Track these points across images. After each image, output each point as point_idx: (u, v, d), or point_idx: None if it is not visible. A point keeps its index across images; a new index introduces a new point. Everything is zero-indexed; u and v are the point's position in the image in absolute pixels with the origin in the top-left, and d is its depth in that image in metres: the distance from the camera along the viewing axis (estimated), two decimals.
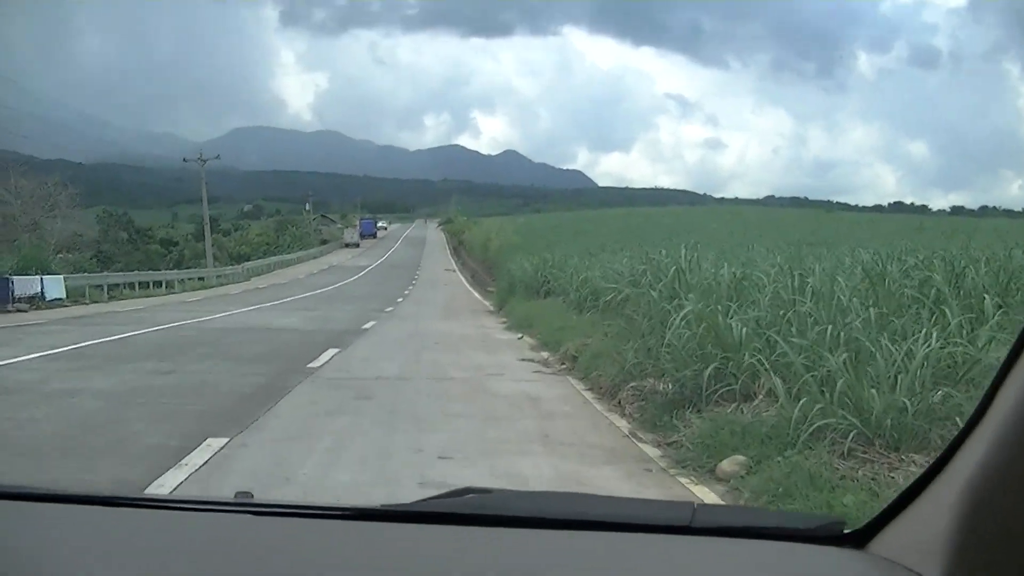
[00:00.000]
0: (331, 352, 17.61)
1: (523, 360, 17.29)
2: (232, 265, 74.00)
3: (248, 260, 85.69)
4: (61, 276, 37.67)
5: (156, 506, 2.28)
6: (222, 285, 59.23)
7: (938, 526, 1.59)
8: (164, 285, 51.19)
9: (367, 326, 25.75)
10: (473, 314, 33.11)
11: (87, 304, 37.09)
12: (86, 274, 44.05)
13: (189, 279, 57.55)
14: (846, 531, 1.93)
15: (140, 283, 48.92)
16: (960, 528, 1.54)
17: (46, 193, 68.78)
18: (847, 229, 48.89)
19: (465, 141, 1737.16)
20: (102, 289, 41.34)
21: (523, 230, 64.78)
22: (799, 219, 71.30)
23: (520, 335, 22.41)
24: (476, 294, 49.85)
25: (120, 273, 48.36)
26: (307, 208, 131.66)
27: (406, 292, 50.08)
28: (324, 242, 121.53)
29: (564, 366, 15.86)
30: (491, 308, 35.77)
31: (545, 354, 18.04)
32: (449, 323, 27.72)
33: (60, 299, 36.27)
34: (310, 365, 15.56)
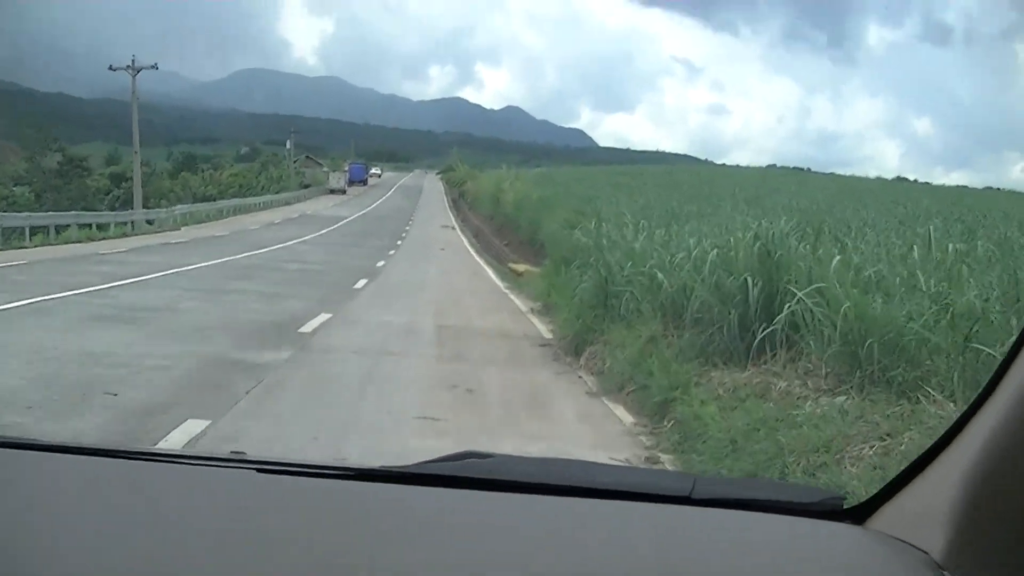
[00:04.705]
0: None
1: None
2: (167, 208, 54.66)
3: (215, 201, 69.74)
4: None
5: (153, 459, 2.11)
6: (123, 236, 39.57)
7: (940, 503, 1.53)
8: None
9: None
10: (516, 368, 12.43)
11: None
12: None
13: (74, 226, 38.12)
14: (846, 506, 1.85)
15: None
16: (963, 506, 1.48)
17: None
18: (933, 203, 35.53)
19: (468, 94, 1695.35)
20: None
21: (541, 181, 48.63)
22: (842, 188, 59.30)
23: None
24: (490, 272, 30.05)
25: None
26: (288, 147, 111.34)
27: (379, 264, 30.31)
28: (305, 186, 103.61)
29: None
30: (545, 332, 15.48)
31: None
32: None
33: None
34: None
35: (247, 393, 9.34)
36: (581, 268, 15.64)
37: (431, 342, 13.95)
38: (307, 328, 14.21)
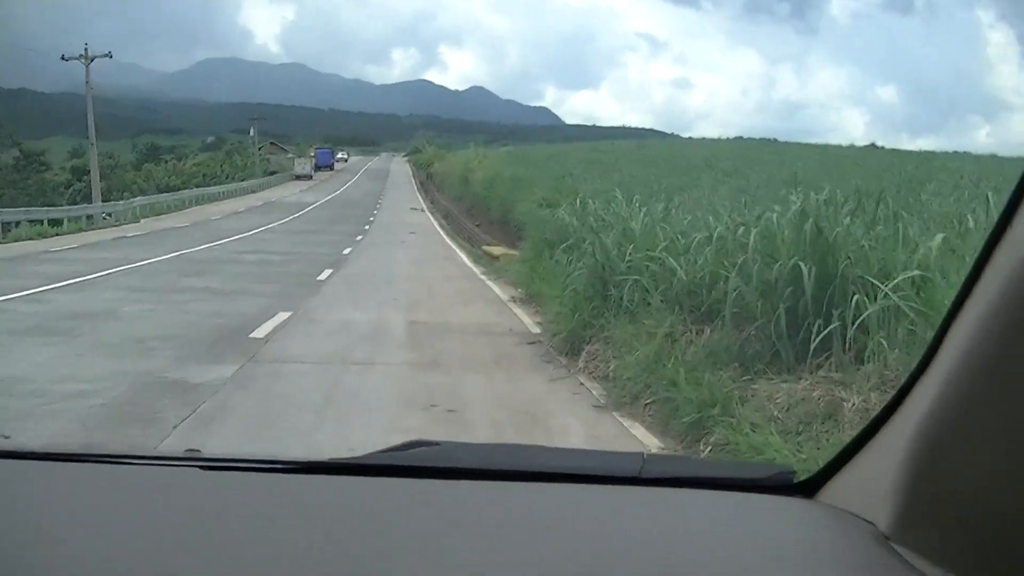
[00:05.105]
0: None
1: None
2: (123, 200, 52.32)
3: (177, 192, 66.32)
4: None
5: (101, 460, 1.98)
6: (78, 232, 37.17)
7: (887, 473, 1.48)
8: None
9: None
10: (503, 375, 10.35)
11: None
12: None
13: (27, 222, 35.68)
14: (796, 481, 1.83)
15: None
16: (909, 475, 1.42)
17: None
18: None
19: (433, 76, 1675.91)
20: None
21: (510, 160, 46.47)
22: (819, 157, 57.81)
23: None
24: (463, 256, 28.26)
25: None
26: (252, 134, 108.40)
27: (346, 252, 28.21)
28: (271, 173, 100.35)
29: None
30: (532, 326, 13.53)
31: None
32: None
33: None
34: None
35: (175, 428, 7.42)
36: (569, 252, 13.74)
37: (402, 344, 12.00)
38: (260, 332, 12.26)
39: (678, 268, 9.35)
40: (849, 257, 7.26)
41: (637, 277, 10.19)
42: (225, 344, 11.40)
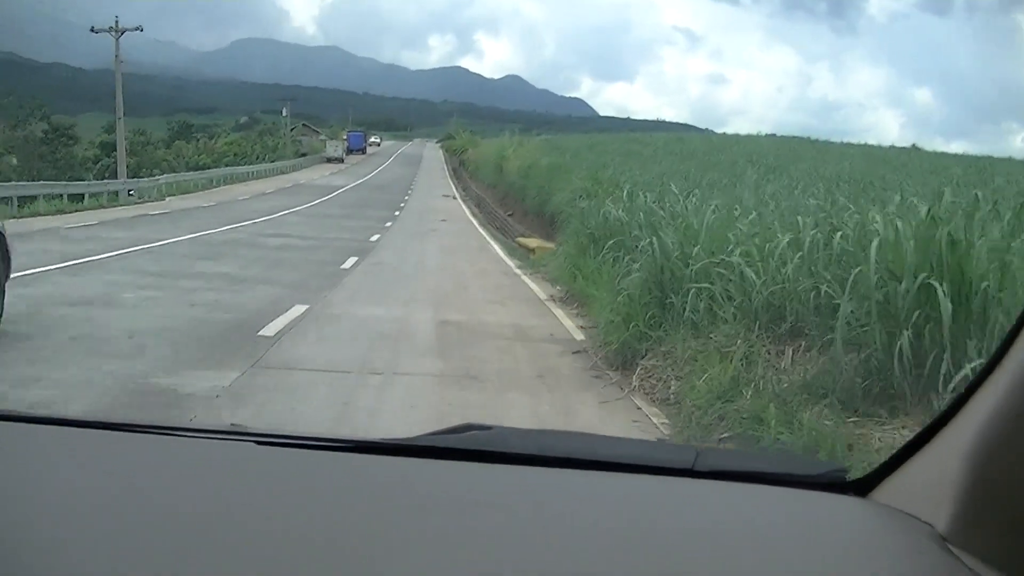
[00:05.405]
0: None
1: None
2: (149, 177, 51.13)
3: (206, 170, 66.04)
4: None
5: (153, 432, 1.97)
6: (99, 208, 35.92)
7: (946, 475, 1.44)
8: None
9: None
10: (548, 393, 8.97)
11: None
12: None
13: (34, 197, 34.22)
14: (850, 478, 1.78)
15: None
16: (967, 478, 1.39)
17: None
18: None
19: (468, 63, 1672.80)
20: None
21: (546, 148, 43.92)
22: (862, 156, 56.00)
23: None
24: (496, 248, 26.93)
25: None
26: (284, 115, 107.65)
27: (374, 239, 26.99)
28: (302, 155, 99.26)
29: None
30: (576, 331, 12.09)
31: None
32: None
33: None
34: None
35: None
36: (617, 250, 12.38)
37: (430, 349, 10.61)
38: (270, 329, 10.94)
39: (757, 279, 7.93)
40: (987, 276, 5.82)
41: (707, 285, 8.77)
42: (229, 343, 10.11)
